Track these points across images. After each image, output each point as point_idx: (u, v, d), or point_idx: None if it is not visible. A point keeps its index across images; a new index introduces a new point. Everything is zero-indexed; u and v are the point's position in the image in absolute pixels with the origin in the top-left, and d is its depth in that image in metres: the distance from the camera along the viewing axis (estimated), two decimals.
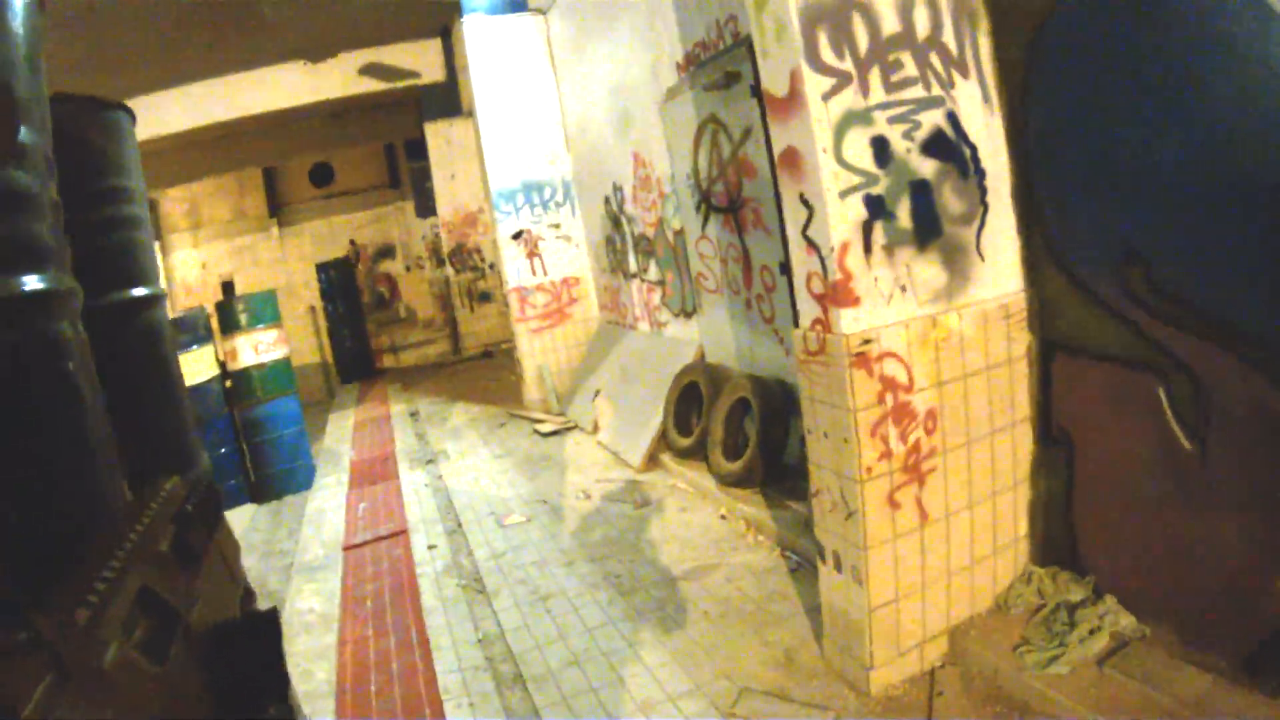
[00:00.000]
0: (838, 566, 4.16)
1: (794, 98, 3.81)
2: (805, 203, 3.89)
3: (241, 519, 9.40)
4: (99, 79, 13.70)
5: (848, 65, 3.76)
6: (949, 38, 4.01)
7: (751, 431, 6.71)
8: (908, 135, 3.89)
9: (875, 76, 3.83)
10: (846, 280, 3.77)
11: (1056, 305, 4.18)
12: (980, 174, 4.12)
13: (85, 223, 2.57)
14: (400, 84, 15.27)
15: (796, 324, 4.15)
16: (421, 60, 15.23)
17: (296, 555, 7.52)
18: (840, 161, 3.77)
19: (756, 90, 5.48)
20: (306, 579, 6.86)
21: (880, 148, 3.84)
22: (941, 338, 3.97)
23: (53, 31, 9.79)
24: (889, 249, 3.85)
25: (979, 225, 4.12)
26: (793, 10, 3.65)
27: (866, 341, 3.76)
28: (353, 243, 22.41)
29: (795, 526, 5.70)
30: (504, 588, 6.01)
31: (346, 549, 7.40)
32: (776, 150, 4.07)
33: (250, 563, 7.80)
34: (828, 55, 3.73)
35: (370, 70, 14.99)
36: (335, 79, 15.12)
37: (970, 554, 4.24)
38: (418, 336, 21.52)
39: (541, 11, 11.32)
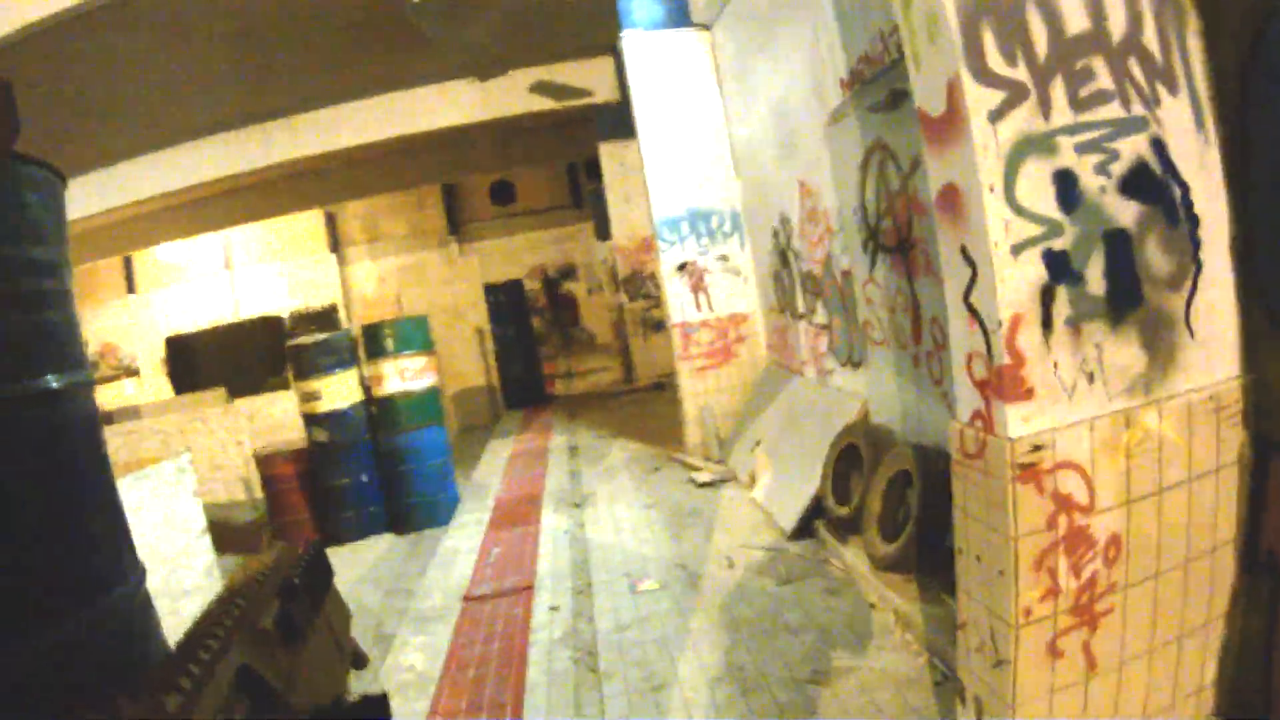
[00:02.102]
0: (979, 716, 3.26)
1: (952, 117, 2.95)
2: (968, 259, 3.03)
3: (378, 549, 9.39)
4: (266, 97, 13.97)
5: (1022, 74, 2.87)
6: (1151, 39, 3.06)
7: (912, 509, 5.79)
8: (1101, 169, 2.96)
9: (1058, 90, 2.93)
10: (1017, 366, 2.89)
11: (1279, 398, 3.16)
12: (1193, 221, 3.17)
13: None
14: (573, 103, 14.99)
15: (952, 411, 3.25)
16: (593, 78, 14.95)
17: (416, 599, 7.25)
18: (1013, 205, 2.90)
19: None
20: (418, 629, 6.58)
21: (1066, 186, 2.94)
22: (1135, 441, 3.03)
23: (217, 49, 9.89)
24: (1074, 324, 2.94)
25: (1190, 290, 3.16)
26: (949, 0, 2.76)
27: (1038, 448, 2.88)
28: (543, 270, 22.38)
29: (948, 628, 4.76)
30: (619, 668, 5.41)
31: (467, 599, 7.06)
32: (933, 188, 3.23)
33: (375, 600, 7.85)
34: (995, 61, 2.85)
35: (541, 88, 14.79)
36: (505, 96, 15.01)
37: (1143, 708, 3.29)
38: (594, 362, 21.36)
39: (705, 27, 10.63)
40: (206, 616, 2.08)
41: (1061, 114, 2.96)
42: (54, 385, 2.45)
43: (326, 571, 2.79)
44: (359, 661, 2.83)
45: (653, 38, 10.66)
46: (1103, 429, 3.01)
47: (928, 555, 5.61)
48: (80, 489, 2.52)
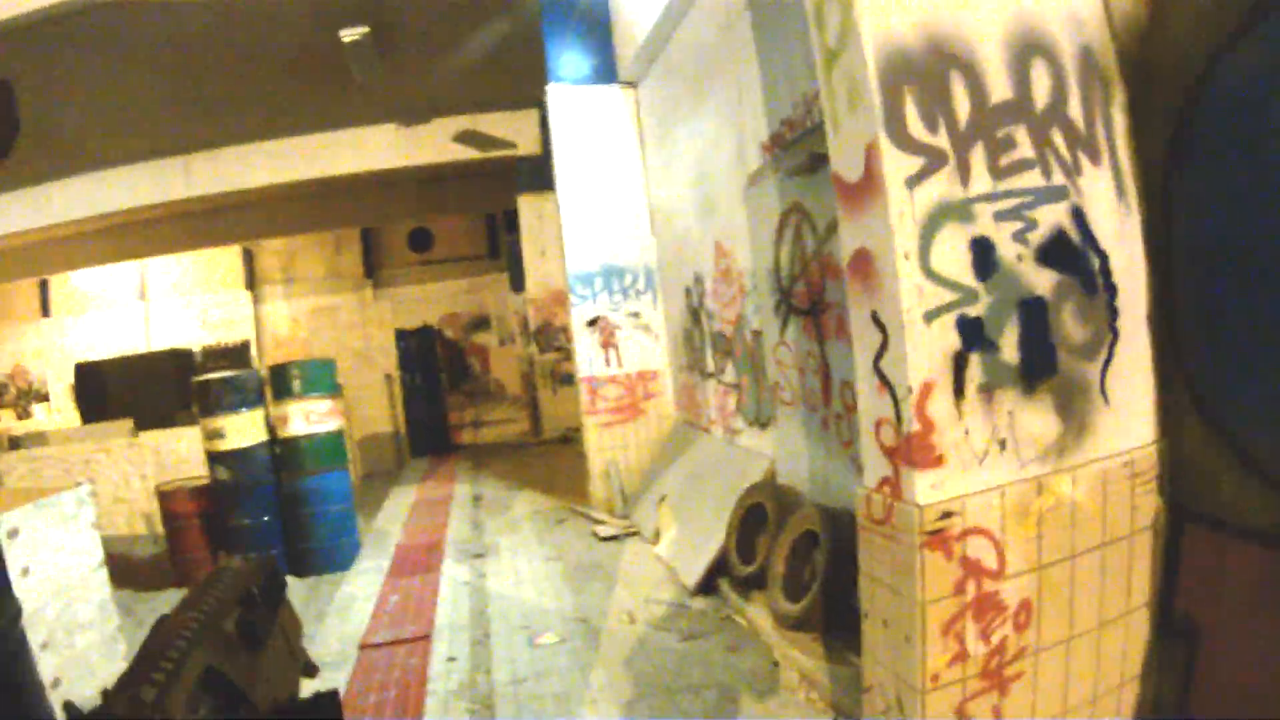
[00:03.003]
0: None
1: (869, 183, 2.97)
2: (879, 324, 3.04)
3: None
4: (191, 127, 13.86)
5: (942, 141, 2.90)
6: (1075, 109, 3.11)
7: (818, 569, 5.78)
8: (1019, 237, 3.00)
9: (979, 157, 2.96)
10: (927, 433, 2.89)
11: (1195, 465, 3.24)
12: (1110, 291, 3.22)
13: None
14: (496, 153, 15.01)
15: (861, 476, 3.25)
16: (517, 130, 14.99)
17: (313, 645, 6.97)
18: (927, 272, 2.92)
19: None
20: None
21: (982, 253, 2.96)
22: (1047, 507, 3.05)
23: (151, 75, 9.71)
24: (987, 390, 2.96)
25: (1105, 359, 3.21)
26: (871, 65, 2.79)
27: (947, 515, 2.88)
28: (456, 319, 22.30)
29: (853, 687, 4.70)
30: None
31: (363, 647, 6.87)
32: (846, 253, 3.24)
33: None
34: (916, 127, 2.87)
35: (465, 138, 14.80)
36: (429, 144, 15.02)
37: None
38: (501, 414, 21.24)
39: (632, 84, 10.69)
40: (173, 620, 2.08)
41: (981, 181, 3.00)
42: None
43: (281, 583, 2.83)
44: (309, 670, 2.86)
45: (578, 93, 10.70)
46: (1014, 495, 3.02)
47: (833, 615, 5.62)
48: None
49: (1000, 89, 3.04)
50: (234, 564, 2.68)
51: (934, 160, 2.95)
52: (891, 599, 3.15)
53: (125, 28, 10.04)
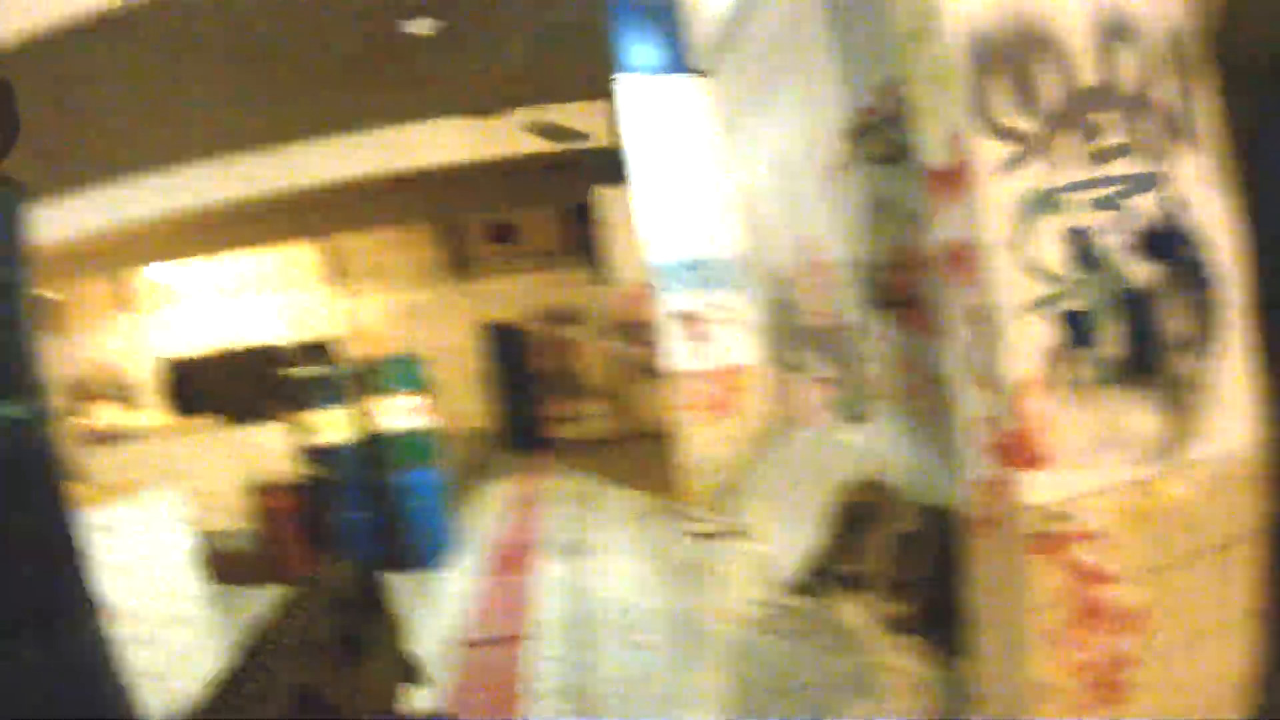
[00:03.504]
0: None
1: (959, 171, 2.86)
2: (975, 318, 2.90)
3: None
4: (265, 122, 13.99)
5: (1032, 127, 2.79)
6: (1164, 93, 2.97)
7: (918, 569, 5.65)
8: (1116, 226, 2.88)
9: (1070, 143, 2.84)
10: (1029, 431, 2.79)
11: None
12: (1211, 281, 3.08)
13: None
14: (571, 146, 14.96)
15: (960, 474, 3.13)
16: (592, 122, 14.93)
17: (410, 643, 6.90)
18: (1024, 263, 2.82)
19: None
20: None
21: (1080, 243, 2.85)
22: (1155, 509, 2.91)
23: (221, 69, 9.82)
24: (1089, 387, 2.86)
25: (1209, 352, 3.04)
26: (956, 47, 2.67)
27: (1053, 516, 2.76)
28: (544, 313, 22.37)
29: (955, 691, 4.61)
30: None
31: (459, 645, 6.91)
32: (938, 244, 3.12)
33: None
34: (1004, 112, 2.77)
35: (538, 130, 14.79)
36: (502, 137, 15.10)
37: None
38: (591, 409, 21.16)
39: (706, 74, 10.55)
40: (262, 634, 2.12)
41: (1074, 168, 2.88)
42: (3, 414, 2.35)
43: (383, 589, 2.85)
44: (419, 677, 2.90)
45: (650, 83, 10.60)
46: (1121, 496, 2.91)
47: (933, 616, 5.47)
48: (34, 525, 2.40)
49: (1088, 72, 2.91)
50: (331, 571, 2.62)
51: (1025, 147, 2.84)
52: (998, 604, 3.06)
53: (190, 25, 10.19)
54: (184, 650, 6.85)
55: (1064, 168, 2.88)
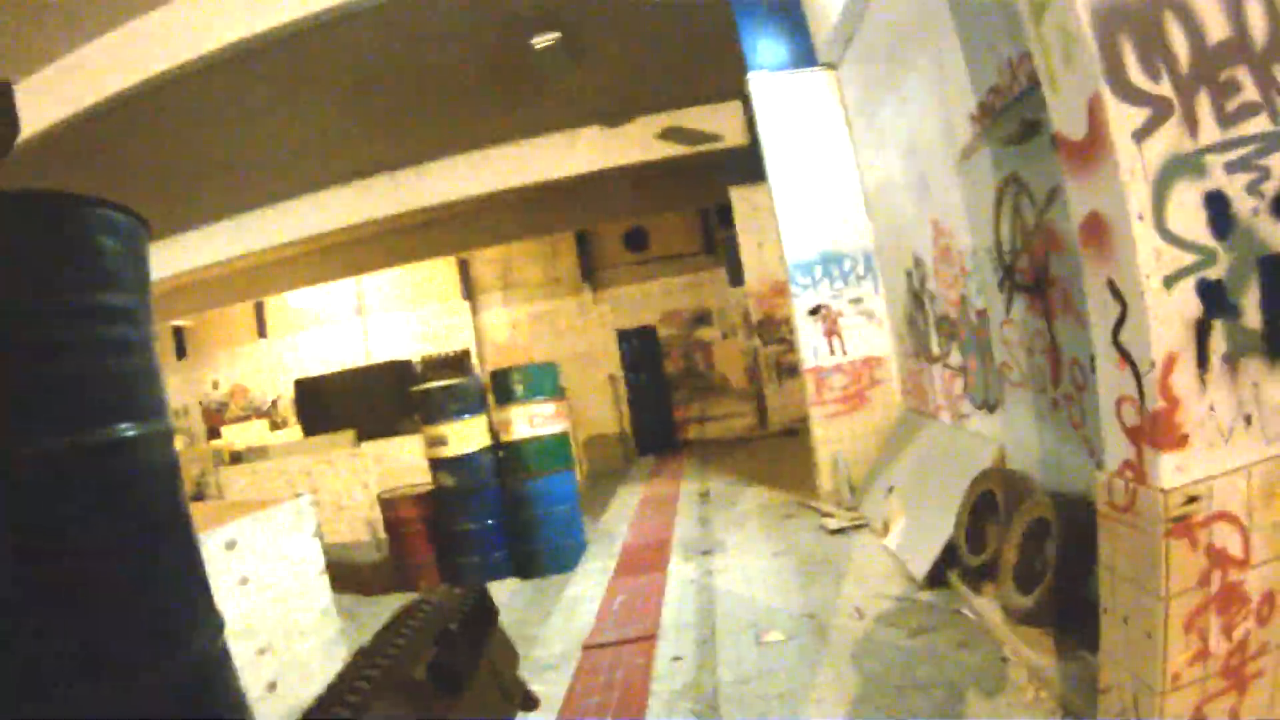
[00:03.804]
0: None
1: (1095, 139, 2.75)
2: (1116, 293, 2.82)
3: (501, 595, 9.11)
4: (393, 146, 14.32)
5: (1166, 89, 2.67)
6: None
7: (1050, 560, 5.46)
8: (1253, 189, 2.73)
9: (1204, 104, 2.72)
10: (1171, 410, 2.68)
11: None
12: None
13: (41, 343, 2.23)
14: (703, 148, 14.98)
15: (1099, 461, 3.00)
16: (722, 123, 14.92)
17: (537, 646, 7.15)
18: (1163, 232, 2.69)
19: None
20: (536, 677, 6.35)
21: (1218, 209, 2.71)
22: None
23: (338, 101, 10.11)
24: (1231, 361, 2.71)
25: None
26: (1083, 12, 2.55)
27: (1192, 500, 2.65)
28: (678, 316, 22.48)
29: (1085, 686, 4.41)
30: None
31: (586, 648, 6.92)
32: (1076, 217, 3.02)
33: None
34: (1137, 75, 2.65)
35: (670, 134, 14.81)
36: (634, 143, 15.13)
37: None
38: (727, 408, 21.19)
39: (832, 66, 10.46)
40: (351, 667, 1.99)
41: (1209, 130, 2.76)
42: (128, 434, 2.40)
43: (491, 612, 2.64)
44: (529, 704, 2.70)
45: (779, 79, 10.56)
46: (1260, 476, 2.76)
47: (1065, 608, 5.30)
48: (153, 541, 2.45)
49: (1217, 28, 2.77)
50: (433, 597, 2.53)
51: (1160, 110, 2.72)
52: (1133, 592, 2.92)
53: (308, 57, 10.46)
54: (305, 660, 7.02)
55: (1201, 129, 2.74)
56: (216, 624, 2.61)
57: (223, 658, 2.57)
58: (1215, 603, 2.75)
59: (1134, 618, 2.88)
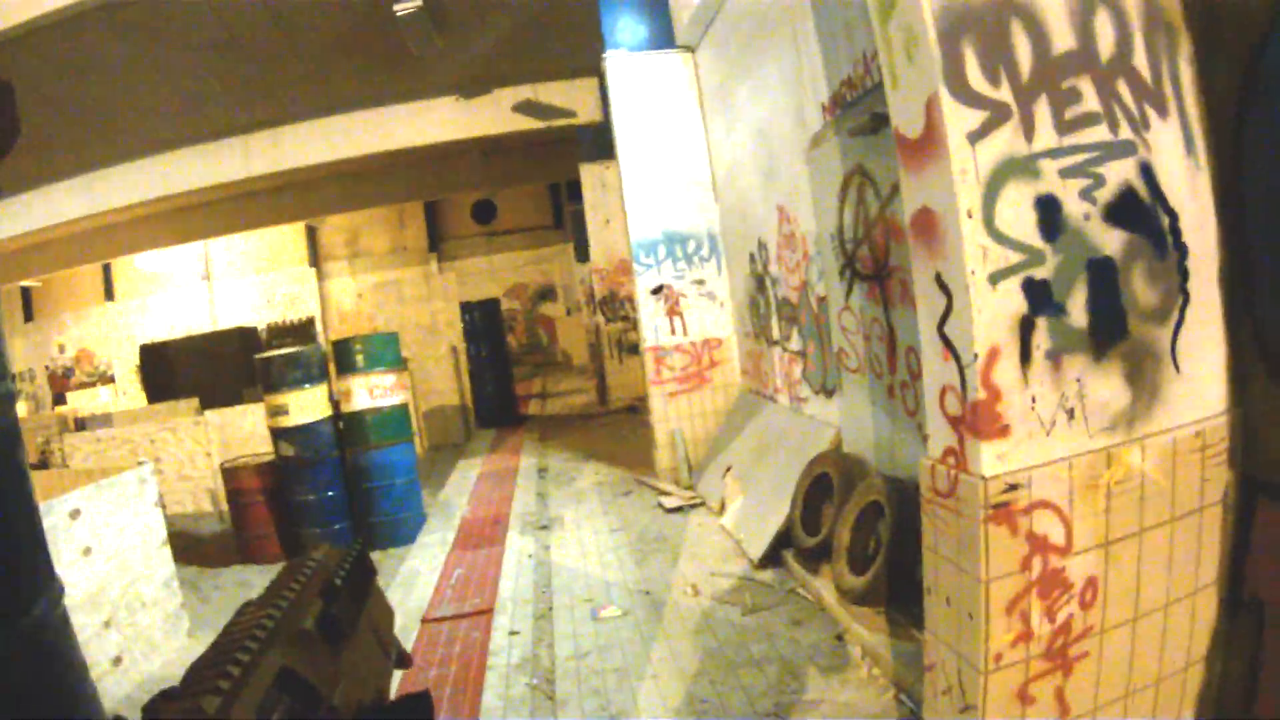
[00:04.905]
0: None
1: (930, 138, 2.83)
2: (943, 287, 2.90)
3: None
4: (248, 108, 13.98)
5: (1004, 94, 2.75)
6: (1141, 60, 2.95)
7: (883, 541, 5.64)
8: (1087, 195, 2.84)
9: (1043, 111, 2.81)
10: (993, 401, 2.77)
11: (1268, 435, 3.06)
12: (1181, 251, 3.06)
13: None
14: (556, 123, 14.96)
15: (925, 446, 3.11)
16: (577, 99, 14.94)
17: None
18: (992, 231, 2.78)
19: None
20: None
21: (1049, 212, 2.81)
22: (1116, 480, 2.90)
23: (202, 59, 9.83)
24: (1054, 357, 2.82)
25: (1176, 322, 3.04)
26: (928, 15, 2.64)
27: (1013, 488, 2.75)
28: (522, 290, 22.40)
29: (916, 664, 4.59)
30: (574, 697, 5.30)
31: (425, 621, 6.89)
32: (908, 212, 3.10)
33: None
34: (976, 79, 2.73)
35: (524, 108, 14.76)
36: (489, 115, 15.06)
37: None
38: (568, 384, 21.23)
39: (690, 49, 10.53)
40: (244, 617, 1.70)
41: (1046, 137, 2.85)
42: None
43: (369, 571, 2.53)
44: (403, 661, 2.62)
45: (636, 59, 10.57)
46: (1082, 467, 2.88)
47: (898, 588, 5.49)
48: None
49: (1063, 39, 2.87)
50: (317, 554, 2.50)
51: (997, 114, 2.81)
52: (955, 575, 3.02)
53: (172, 13, 10.12)
54: (149, 632, 6.84)
55: (1037, 135, 2.84)
56: (56, 590, 2.54)
57: (62, 625, 2.50)
58: (1037, 587, 2.86)
59: (956, 599, 2.99)
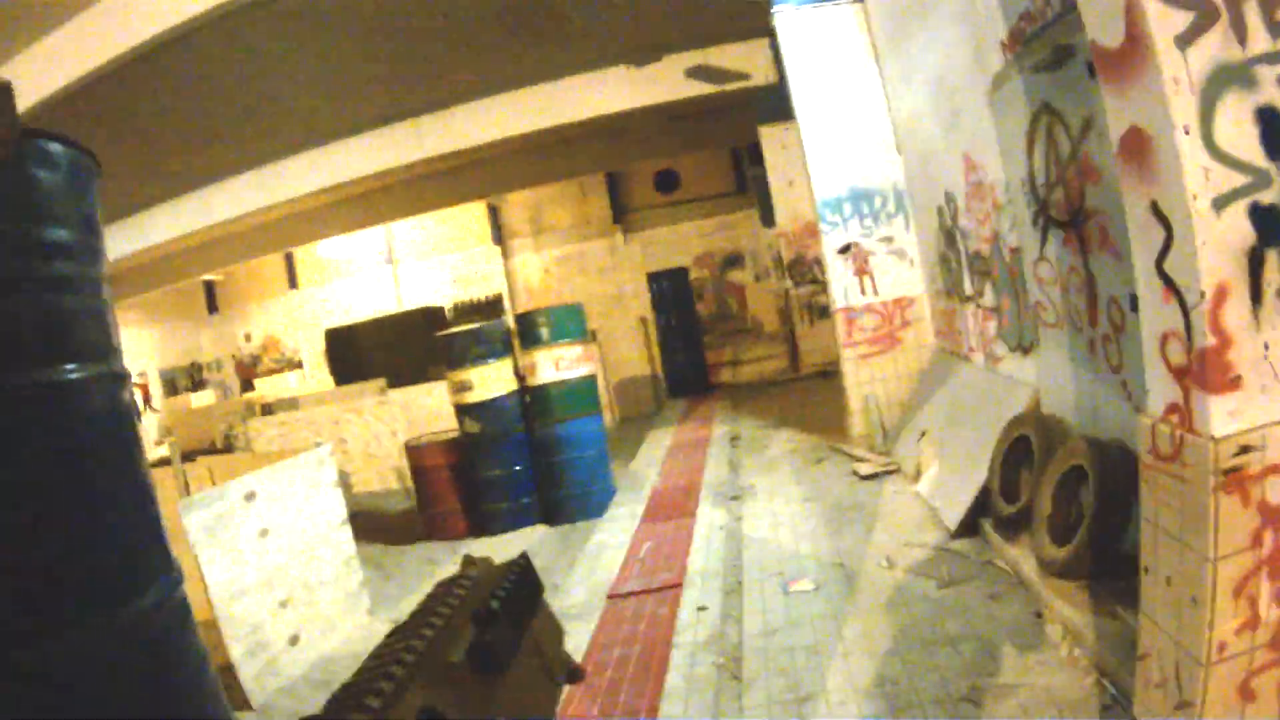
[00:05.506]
0: None
1: (1133, 46, 2.52)
2: (1160, 217, 2.58)
3: (528, 541, 9.31)
4: (417, 90, 14.18)
5: None
6: None
7: (1086, 510, 5.20)
8: None
9: (1253, 10, 2.42)
10: (1223, 348, 2.45)
11: None
12: None
13: None
14: (730, 86, 14.80)
15: (1138, 405, 2.75)
16: (750, 61, 14.73)
17: (560, 595, 7.06)
18: (1212, 149, 2.46)
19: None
20: None
21: (1271, 126, 2.46)
22: None
23: (362, 45, 9.92)
24: None
25: None
26: None
27: (1245, 450, 2.40)
28: (710, 258, 22.35)
29: (1121, 645, 4.21)
30: (762, 677, 5.08)
31: (611, 597, 6.84)
32: (1114, 135, 2.76)
33: None
34: None
35: (697, 73, 14.60)
36: (661, 83, 14.99)
37: None
38: (760, 351, 21.01)
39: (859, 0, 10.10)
40: (385, 648, 1.95)
41: (1259, 38, 2.50)
42: (69, 376, 2.25)
43: (534, 587, 2.57)
44: (574, 676, 2.65)
45: (805, 14, 10.31)
46: None
47: (1102, 561, 5.05)
48: (99, 487, 2.32)
49: None
50: (473, 571, 2.40)
51: (1204, 14, 2.46)
52: (1177, 552, 2.68)
53: (328, 2, 10.22)
54: (327, 611, 6.92)
55: (1250, 37, 2.48)
56: (173, 577, 2.45)
57: (179, 611, 2.41)
58: (1268, 566, 2.51)
59: (1178, 580, 2.65)
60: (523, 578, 2.44)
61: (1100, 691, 4.19)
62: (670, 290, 19.26)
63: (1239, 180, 2.47)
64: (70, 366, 2.24)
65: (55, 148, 2.35)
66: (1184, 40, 2.43)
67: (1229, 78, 2.45)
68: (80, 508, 2.20)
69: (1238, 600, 2.49)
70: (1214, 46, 2.44)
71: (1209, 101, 2.45)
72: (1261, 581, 2.50)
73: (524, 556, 2.68)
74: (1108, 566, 5.00)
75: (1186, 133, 2.45)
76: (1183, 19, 2.42)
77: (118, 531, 2.31)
